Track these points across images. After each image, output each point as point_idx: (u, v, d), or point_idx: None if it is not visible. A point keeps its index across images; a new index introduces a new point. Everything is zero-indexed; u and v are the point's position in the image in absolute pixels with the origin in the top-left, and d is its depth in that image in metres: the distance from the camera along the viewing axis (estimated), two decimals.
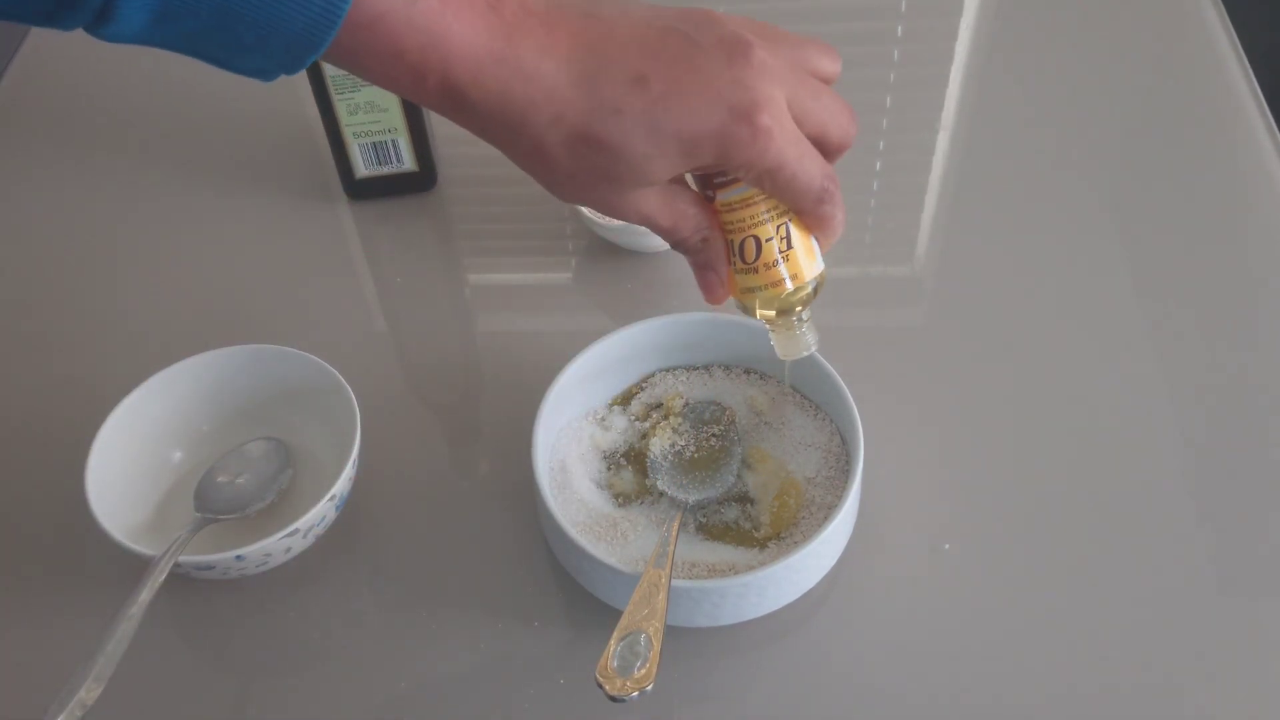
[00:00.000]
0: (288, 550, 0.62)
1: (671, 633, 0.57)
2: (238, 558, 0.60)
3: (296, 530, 0.61)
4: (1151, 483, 0.67)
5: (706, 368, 0.71)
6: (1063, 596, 0.63)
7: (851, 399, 0.64)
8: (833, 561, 0.62)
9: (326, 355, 0.67)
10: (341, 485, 0.62)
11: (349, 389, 0.66)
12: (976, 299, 0.78)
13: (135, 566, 0.59)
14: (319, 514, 0.61)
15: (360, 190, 0.85)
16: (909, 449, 0.69)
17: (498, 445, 0.71)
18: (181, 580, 0.62)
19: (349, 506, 0.66)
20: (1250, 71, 0.90)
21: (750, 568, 0.60)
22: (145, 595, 0.58)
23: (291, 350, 0.68)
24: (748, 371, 0.71)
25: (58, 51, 0.98)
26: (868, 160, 0.88)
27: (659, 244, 0.79)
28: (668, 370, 0.71)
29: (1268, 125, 0.86)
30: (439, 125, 0.85)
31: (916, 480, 0.68)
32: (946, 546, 0.65)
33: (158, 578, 0.59)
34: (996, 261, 0.80)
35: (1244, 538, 0.65)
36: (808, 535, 0.61)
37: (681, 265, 0.80)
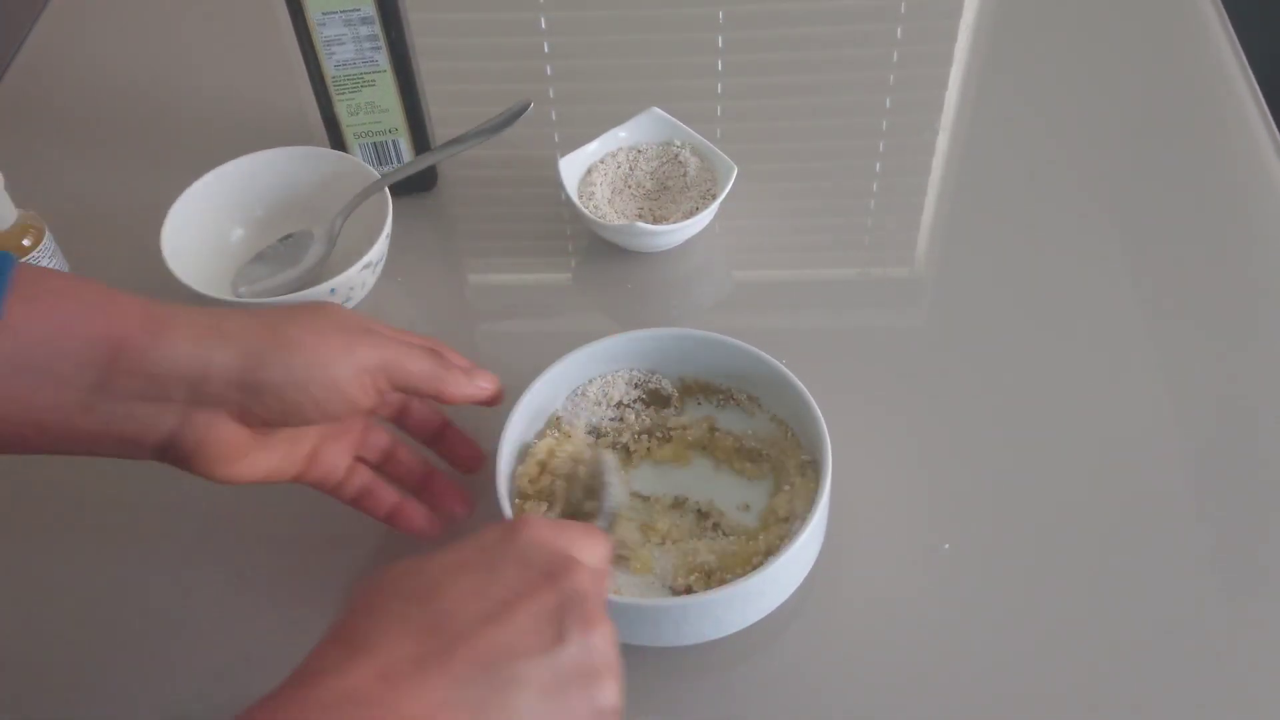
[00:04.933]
0: (364, 284, 0.75)
1: (638, 652, 0.55)
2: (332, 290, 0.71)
3: (370, 264, 0.73)
4: (1150, 484, 0.68)
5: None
6: (1062, 597, 0.63)
7: (821, 416, 0.62)
8: (805, 571, 0.61)
9: None
10: (376, 251, 0.73)
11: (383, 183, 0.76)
12: (976, 300, 0.78)
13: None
14: (367, 266, 0.73)
15: None
16: (908, 450, 0.69)
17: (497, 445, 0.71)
18: (196, 578, 0.62)
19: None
20: (1250, 71, 0.91)
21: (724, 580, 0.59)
22: None
23: (328, 151, 0.80)
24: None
25: (60, 50, 0.98)
26: (868, 161, 0.88)
27: (659, 244, 0.79)
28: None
29: (1268, 125, 0.86)
30: (439, 126, 0.85)
31: (917, 480, 0.68)
32: (946, 546, 0.65)
33: None
34: (996, 263, 0.80)
35: (1243, 538, 0.65)
36: (774, 551, 0.59)
37: (682, 265, 0.80)
